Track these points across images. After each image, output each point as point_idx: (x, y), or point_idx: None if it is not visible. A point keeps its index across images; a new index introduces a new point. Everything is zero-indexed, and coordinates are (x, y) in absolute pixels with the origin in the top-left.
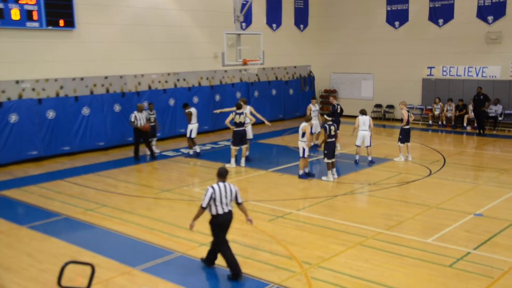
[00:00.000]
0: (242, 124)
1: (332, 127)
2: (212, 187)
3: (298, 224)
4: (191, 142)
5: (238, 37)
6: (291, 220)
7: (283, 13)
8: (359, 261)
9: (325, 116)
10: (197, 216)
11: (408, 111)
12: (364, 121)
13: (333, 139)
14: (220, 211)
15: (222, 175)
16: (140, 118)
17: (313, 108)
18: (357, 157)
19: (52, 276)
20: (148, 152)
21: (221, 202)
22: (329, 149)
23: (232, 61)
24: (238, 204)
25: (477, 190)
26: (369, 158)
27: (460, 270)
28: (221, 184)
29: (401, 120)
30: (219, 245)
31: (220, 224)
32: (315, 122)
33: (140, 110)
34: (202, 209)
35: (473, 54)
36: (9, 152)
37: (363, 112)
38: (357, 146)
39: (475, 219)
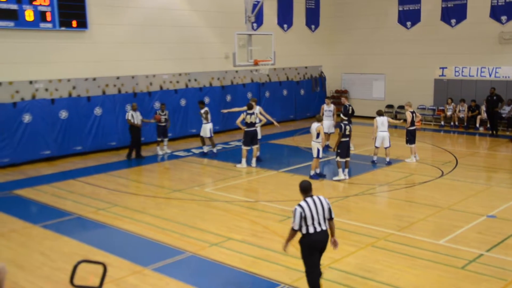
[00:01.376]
0: (253, 124)
1: (348, 127)
2: (300, 206)
3: None
4: (211, 140)
5: (249, 38)
6: None
7: (294, 13)
8: (370, 262)
9: (341, 115)
10: (289, 239)
11: (413, 112)
12: (383, 121)
13: (348, 139)
14: (312, 230)
15: (308, 190)
16: (135, 117)
17: (327, 108)
18: (374, 158)
19: (65, 275)
20: (134, 154)
21: (312, 221)
22: (343, 149)
23: (243, 62)
24: (329, 219)
25: (489, 192)
26: (387, 159)
27: (472, 272)
28: (309, 200)
29: (406, 121)
30: (308, 266)
31: (312, 245)
32: (329, 122)
33: (135, 109)
34: (294, 231)
35: (486, 55)
36: (23, 152)
37: (380, 113)
38: (376, 147)
39: (487, 220)
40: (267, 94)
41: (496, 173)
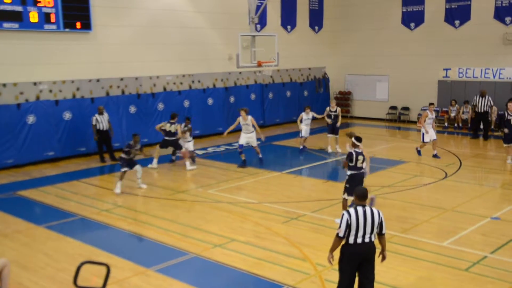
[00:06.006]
0: (172, 133)
1: (360, 156)
2: (348, 212)
3: (313, 226)
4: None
5: (253, 39)
6: (305, 222)
7: (297, 14)
8: None
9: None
10: (333, 247)
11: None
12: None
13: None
14: (352, 241)
15: (363, 197)
16: (101, 120)
17: (305, 116)
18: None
19: (68, 276)
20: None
21: (356, 231)
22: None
23: (247, 63)
24: (380, 234)
25: (493, 193)
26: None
27: (476, 274)
28: (360, 209)
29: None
30: (340, 280)
31: (349, 256)
32: (307, 127)
33: (101, 112)
34: (339, 238)
35: (490, 56)
36: (27, 153)
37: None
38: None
39: (491, 222)
40: (270, 95)
41: (500, 174)
